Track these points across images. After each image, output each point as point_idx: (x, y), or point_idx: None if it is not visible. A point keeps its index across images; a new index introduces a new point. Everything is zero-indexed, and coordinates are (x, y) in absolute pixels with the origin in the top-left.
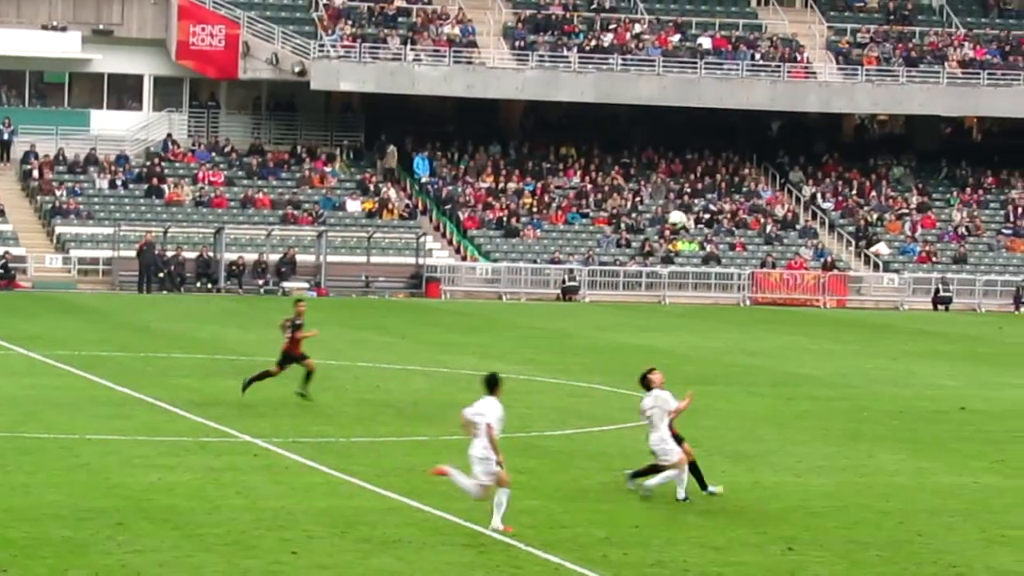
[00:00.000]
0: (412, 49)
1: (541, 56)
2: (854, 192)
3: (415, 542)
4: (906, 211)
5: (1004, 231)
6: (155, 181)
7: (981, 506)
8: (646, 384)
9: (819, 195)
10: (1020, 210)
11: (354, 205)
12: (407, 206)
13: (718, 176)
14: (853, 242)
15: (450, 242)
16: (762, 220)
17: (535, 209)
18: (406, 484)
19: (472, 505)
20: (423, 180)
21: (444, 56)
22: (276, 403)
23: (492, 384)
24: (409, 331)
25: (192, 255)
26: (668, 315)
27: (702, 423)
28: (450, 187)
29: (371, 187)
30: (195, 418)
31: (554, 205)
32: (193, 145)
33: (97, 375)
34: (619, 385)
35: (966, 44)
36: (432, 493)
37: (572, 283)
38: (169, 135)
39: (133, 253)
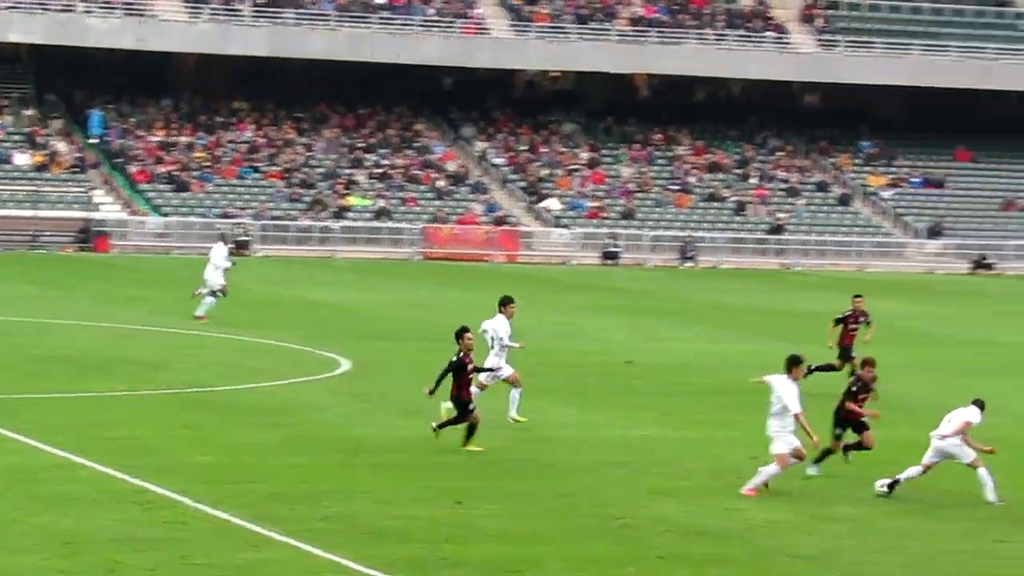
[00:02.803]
0: (83, 0)
1: (214, 9)
2: (525, 148)
3: (82, 499)
4: (576, 167)
5: (671, 187)
6: None
7: (646, 458)
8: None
9: (491, 151)
10: (687, 167)
11: (22, 158)
12: (77, 159)
13: (390, 131)
14: (524, 197)
15: (120, 196)
16: (434, 175)
17: (207, 163)
18: (73, 441)
19: (142, 461)
20: (97, 136)
21: (116, 8)
22: None
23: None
24: (78, 286)
25: None
26: (340, 270)
27: (372, 378)
28: (121, 141)
29: (39, 140)
30: None
31: (226, 159)
32: None
33: None
34: (290, 340)
35: (636, 2)
36: (99, 450)
37: (244, 237)
38: None
39: None
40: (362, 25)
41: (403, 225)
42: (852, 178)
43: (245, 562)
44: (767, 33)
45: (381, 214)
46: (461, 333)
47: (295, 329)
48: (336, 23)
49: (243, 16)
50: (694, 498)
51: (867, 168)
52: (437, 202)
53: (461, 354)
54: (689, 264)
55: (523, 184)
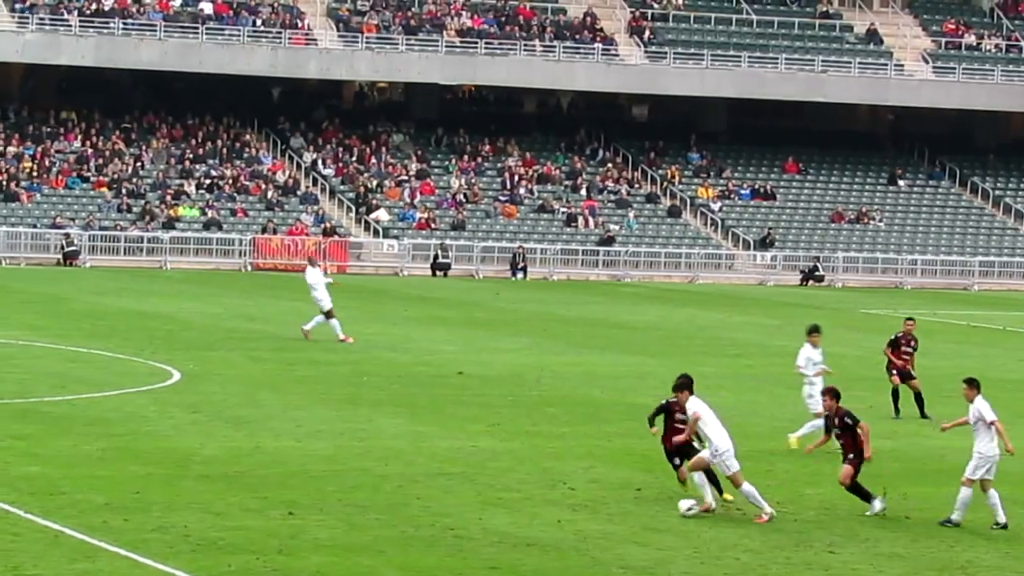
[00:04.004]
0: None
1: (42, 19)
2: (354, 159)
3: None
4: (405, 178)
5: (500, 198)
6: None
7: (478, 469)
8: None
9: (320, 161)
10: (516, 177)
11: None
12: None
13: (219, 141)
14: (353, 208)
15: None
16: (263, 186)
17: (35, 173)
18: None
19: None
20: None
21: None
22: None
23: None
24: None
25: None
26: (170, 280)
27: (203, 388)
28: None
29: None
30: None
31: (54, 169)
32: None
33: None
34: (119, 350)
35: (464, 13)
36: None
37: (72, 248)
38: None
39: None
40: (190, 35)
41: (233, 236)
42: (682, 190)
43: (78, 573)
44: (595, 45)
45: (211, 225)
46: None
47: (125, 340)
48: (165, 33)
49: (70, 26)
50: (526, 509)
51: (696, 180)
52: (267, 213)
53: (672, 399)
54: (520, 275)
55: (352, 195)
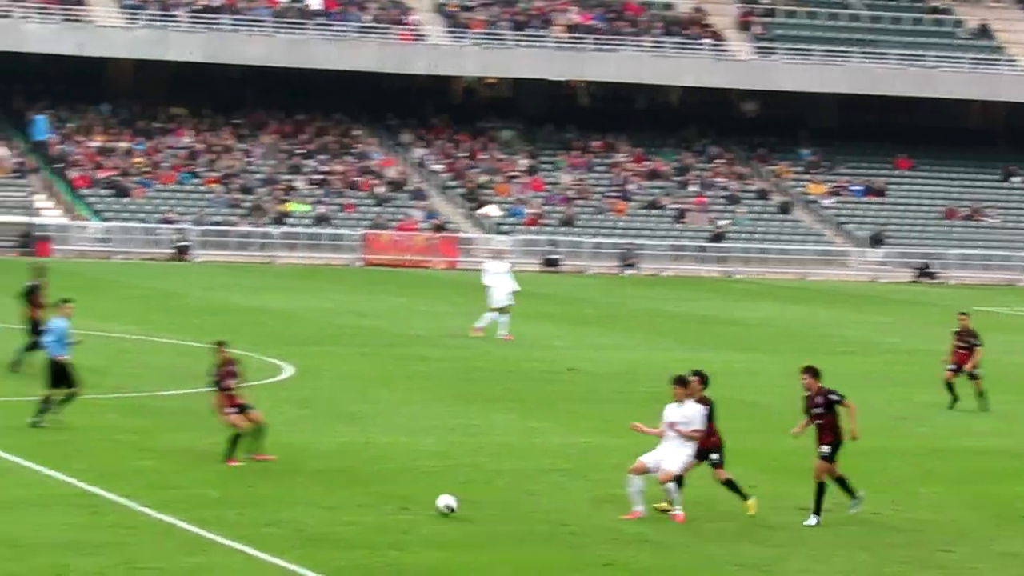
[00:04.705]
0: (21, 6)
1: (151, 15)
2: (464, 155)
3: (29, 503)
4: (515, 174)
5: (610, 194)
6: None
7: (590, 465)
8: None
9: (429, 157)
10: (626, 174)
11: None
12: (17, 164)
13: (328, 137)
14: (463, 204)
15: (60, 201)
16: (373, 182)
17: (146, 169)
18: (18, 445)
19: (86, 465)
20: (41, 140)
21: (54, 14)
22: None
23: None
24: (17, 290)
25: None
26: (280, 276)
27: (314, 384)
28: (61, 146)
29: None
30: None
31: (165, 165)
32: None
33: None
34: (231, 345)
35: (572, 9)
36: (45, 454)
37: (183, 243)
38: None
39: None
40: (299, 31)
41: (343, 231)
42: (792, 186)
43: (191, 566)
44: (704, 40)
45: (321, 220)
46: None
47: (237, 334)
48: (273, 29)
49: (179, 22)
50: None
51: (807, 176)
52: (377, 208)
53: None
54: (630, 272)
55: (462, 191)
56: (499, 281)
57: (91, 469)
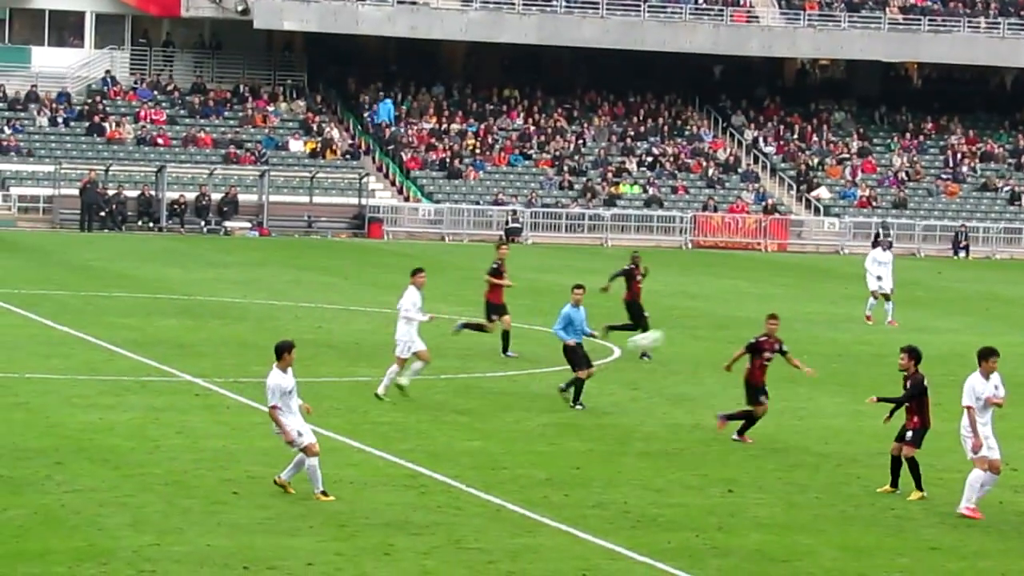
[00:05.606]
0: None
1: None
2: (795, 136)
3: (356, 482)
4: (847, 156)
5: (943, 176)
6: (96, 119)
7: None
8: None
9: (760, 139)
10: (958, 155)
11: (297, 145)
12: (350, 146)
13: (660, 119)
14: (794, 186)
15: (393, 183)
16: (704, 164)
17: (478, 151)
18: (347, 424)
19: (414, 446)
20: (383, 124)
21: None
22: (217, 343)
23: None
24: (351, 272)
25: (134, 194)
26: (611, 258)
27: (643, 365)
28: (393, 128)
29: (314, 127)
30: (136, 357)
31: (497, 147)
32: (135, 83)
33: (37, 313)
34: None
35: None
36: (373, 434)
37: (515, 224)
38: (110, 72)
39: (74, 191)
40: (632, 13)
41: (674, 213)
42: None
43: (518, 547)
44: None
45: (651, 202)
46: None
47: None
48: (607, 11)
49: (514, 4)
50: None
51: None
52: (707, 190)
53: (762, 337)
54: (962, 254)
55: (793, 173)
56: (881, 270)
57: (418, 450)
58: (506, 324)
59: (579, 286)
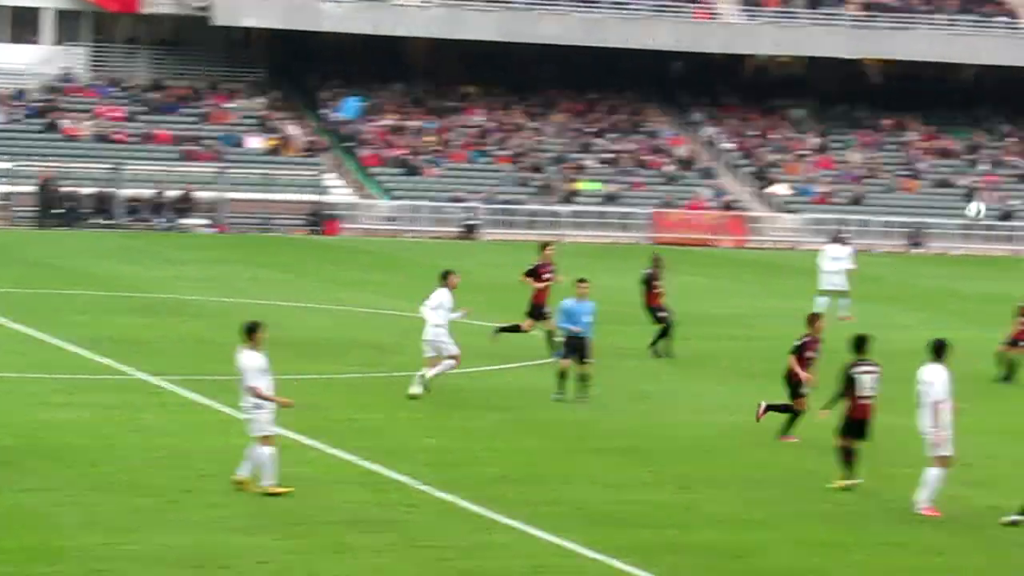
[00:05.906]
0: None
1: None
2: (754, 133)
3: (310, 480)
4: (805, 153)
5: (900, 173)
6: (54, 116)
7: (874, 444)
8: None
9: (719, 136)
10: (915, 152)
11: (254, 142)
12: (308, 143)
13: (619, 116)
14: (752, 183)
15: (350, 180)
16: (662, 160)
17: (437, 147)
18: (301, 423)
19: (369, 444)
20: (346, 121)
21: None
22: (173, 340)
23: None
24: (308, 269)
25: (91, 191)
26: (568, 254)
27: (600, 363)
28: (351, 125)
29: (271, 124)
30: (90, 355)
31: (456, 143)
32: (93, 80)
33: None
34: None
35: None
36: (327, 432)
37: (472, 221)
38: (68, 69)
39: (30, 188)
40: (594, 10)
41: (632, 210)
42: None
43: (472, 544)
44: (999, 18)
45: (610, 199)
46: (813, 319)
47: (522, 313)
48: (568, 7)
49: (475, 0)
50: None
51: None
52: (666, 187)
53: (807, 337)
54: (917, 250)
55: (752, 169)
56: (835, 265)
57: (373, 448)
58: (549, 326)
59: (583, 280)
